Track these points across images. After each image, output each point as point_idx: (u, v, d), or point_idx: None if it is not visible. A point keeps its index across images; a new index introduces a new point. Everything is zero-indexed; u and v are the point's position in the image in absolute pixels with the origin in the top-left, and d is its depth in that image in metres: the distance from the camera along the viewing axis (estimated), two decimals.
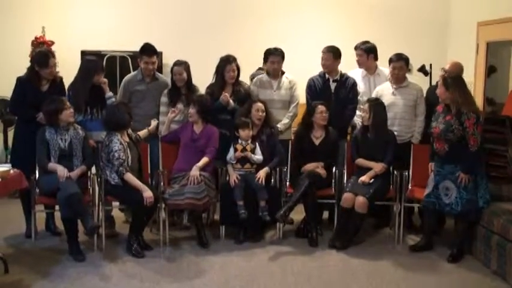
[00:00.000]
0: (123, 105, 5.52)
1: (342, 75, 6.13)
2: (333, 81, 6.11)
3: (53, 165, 5.20)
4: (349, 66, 6.32)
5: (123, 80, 6.16)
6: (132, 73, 6.26)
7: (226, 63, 5.94)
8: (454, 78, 5.25)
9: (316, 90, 6.12)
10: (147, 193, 5.14)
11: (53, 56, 5.61)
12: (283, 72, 6.24)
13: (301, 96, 6.30)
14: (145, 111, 5.86)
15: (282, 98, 6.12)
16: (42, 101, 5.36)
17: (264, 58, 6.32)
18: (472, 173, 5.10)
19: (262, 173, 5.62)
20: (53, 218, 5.76)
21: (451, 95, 5.11)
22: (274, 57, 6.10)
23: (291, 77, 6.25)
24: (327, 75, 6.12)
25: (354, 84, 6.12)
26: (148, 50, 5.94)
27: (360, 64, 6.33)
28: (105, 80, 5.79)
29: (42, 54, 5.61)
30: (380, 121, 5.63)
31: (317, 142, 5.83)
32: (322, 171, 5.70)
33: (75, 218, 5.07)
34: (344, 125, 6.18)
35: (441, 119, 5.20)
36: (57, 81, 5.66)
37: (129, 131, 5.52)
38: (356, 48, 6.29)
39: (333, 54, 6.05)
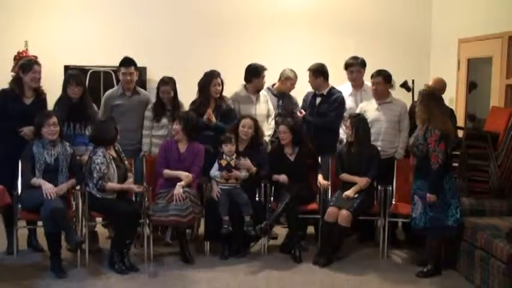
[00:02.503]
0: (111, 120, 5.49)
1: (330, 90, 6.18)
2: (318, 96, 6.19)
3: (36, 180, 5.14)
4: (335, 82, 6.36)
5: (104, 94, 6.16)
6: (113, 88, 6.27)
7: (212, 77, 5.95)
8: (426, 94, 5.25)
9: (307, 105, 6.27)
10: (132, 187, 5.36)
11: (38, 64, 5.58)
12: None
13: None
14: (126, 125, 5.83)
15: (262, 112, 6.20)
16: (25, 114, 5.35)
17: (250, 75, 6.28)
18: (438, 191, 5.06)
19: (248, 163, 5.65)
20: (35, 234, 5.69)
21: (419, 110, 5.17)
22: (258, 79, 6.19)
23: (264, 91, 6.36)
24: (315, 91, 6.23)
25: (338, 98, 6.14)
26: (125, 61, 5.97)
27: (357, 79, 6.34)
28: None
29: (27, 59, 5.66)
30: (363, 136, 5.66)
31: (292, 158, 5.85)
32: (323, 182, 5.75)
33: (59, 233, 5.03)
34: (326, 138, 6.14)
35: (415, 133, 5.28)
36: (41, 97, 5.62)
37: (118, 147, 5.50)
38: (352, 65, 6.30)
39: (312, 73, 6.17)
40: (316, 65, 6.20)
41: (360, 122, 5.66)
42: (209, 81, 5.95)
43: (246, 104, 6.20)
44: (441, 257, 5.22)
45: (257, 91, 6.25)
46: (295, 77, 6.50)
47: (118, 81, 6.54)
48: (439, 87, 5.98)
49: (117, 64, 6.09)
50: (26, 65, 5.49)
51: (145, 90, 6.48)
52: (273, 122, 6.24)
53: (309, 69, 6.19)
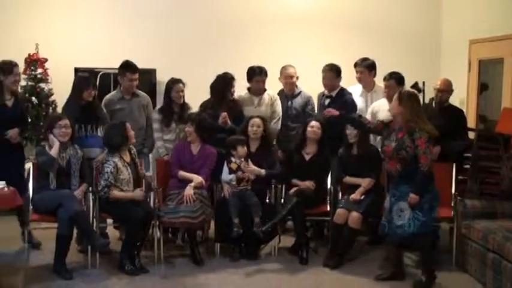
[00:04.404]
0: (121, 125, 5.44)
1: (339, 92, 6.15)
2: (327, 97, 6.17)
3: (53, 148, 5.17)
4: (343, 83, 6.33)
5: (103, 100, 6.10)
6: (112, 92, 6.25)
7: (232, 80, 6.00)
8: (408, 94, 5.04)
9: (318, 105, 6.26)
10: (137, 194, 5.23)
11: (18, 66, 5.66)
12: (265, 89, 6.30)
13: None
14: None
15: (263, 114, 6.11)
16: (8, 117, 5.43)
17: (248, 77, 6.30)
18: (424, 193, 4.85)
19: (255, 168, 5.64)
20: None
21: (403, 110, 4.88)
22: (260, 77, 6.18)
23: (272, 93, 6.31)
24: (325, 92, 6.19)
25: (349, 100, 6.12)
26: (132, 66, 5.98)
27: (361, 81, 6.36)
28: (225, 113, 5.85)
29: (6, 62, 5.64)
30: (365, 137, 5.66)
31: (307, 158, 5.82)
32: (309, 184, 5.69)
33: (71, 235, 5.08)
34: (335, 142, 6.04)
35: (393, 137, 5.04)
36: (19, 97, 5.72)
37: (133, 151, 5.52)
38: (356, 65, 6.34)
39: (334, 72, 6.13)
40: (335, 64, 6.16)
41: (362, 123, 5.64)
42: (226, 86, 5.96)
43: (248, 106, 6.20)
44: (433, 262, 5.01)
45: (258, 93, 6.24)
46: (293, 72, 6.36)
47: None
48: (447, 88, 5.95)
49: None
50: (6, 68, 5.53)
51: (152, 93, 6.48)
52: (277, 124, 6.19)
53: (330, 69, 6.12)
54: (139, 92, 6.22)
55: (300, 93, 6.41)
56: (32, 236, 5.66)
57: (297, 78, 6.43)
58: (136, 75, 5.98)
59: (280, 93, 6.47)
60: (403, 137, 4.89)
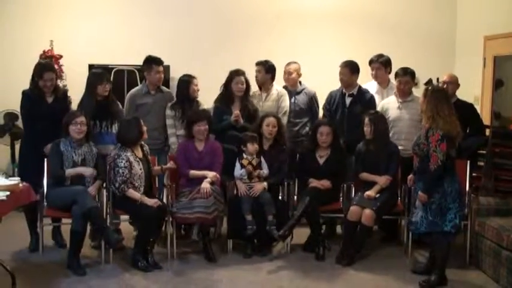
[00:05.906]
0: (134, 120, 5.47)
1: (360, 90, 6.10)
2: (348, 95, 6.09)
3: (72, 170, 5.23)
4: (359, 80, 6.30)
5: (128, 94, 6.17)
6: (137, 87, 6.27)
7: (234, 75, 5.96)
8: (432, 89, 4.91)
9: (333, 104, 6.15)
10: (151, 202, 5.19)
11: (51, 69, 5.61)
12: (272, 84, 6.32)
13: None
14: (151, 124, 5.84)
15: (269, 109, 6.12)
16: (49, 113, 5.44)
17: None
18: (431, 192, 4.80)
19: (259, 186, 5.60)
20: (59, 230, 5.76)
21: (425, 106, 4.84)
22: (256, 67, 6.24)
23: (280, 89, 6.32)
24: (343, 90, 6.12)
25: (372, 99, 6.08)
26: (156, 59, 6.02)
27: (378, 77, 6.30)
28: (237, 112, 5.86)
29: (39, 65, 5.67)
30: (382, 133, 5.61)
31: (321, 161, 5.80)
32: (325, 184, 5.67)
33: (85, 232, 5.11)
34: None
35: (418, 132, 5.07)
36: (61, 94, 5.70)
37: (146, 147, 5.54)
38: (372, 61, 6.28)
39: (349, 69, 6.04)
40: (352, 61, 6.09)
41: (378, 119, 5.59)
42: (231, 78, 5.96)
43: (256, 101, 6.21)
44: (446, 266, 4.93)
45: (260, 87, 6.27)
46: (294, 69, 6.37)
47: (141, 80, 6.58)
48: (453, 80, 5.92)
49: (141, 63, 6.14)
50: (37, 71, 5.55)
51: (168, 89, 6.51)
52: (283, 119, 6.12)
53: (347, 65, 6.05)
54: (164, 88, 6.27)
55: (303, 90, 6.41)
56: (62, 237, 5.74)
57: (299, 75, 6.44)
58: (161, 68, 6.03)
59: (285, 90, 6.45)
60: (421, 133, 4.89)
